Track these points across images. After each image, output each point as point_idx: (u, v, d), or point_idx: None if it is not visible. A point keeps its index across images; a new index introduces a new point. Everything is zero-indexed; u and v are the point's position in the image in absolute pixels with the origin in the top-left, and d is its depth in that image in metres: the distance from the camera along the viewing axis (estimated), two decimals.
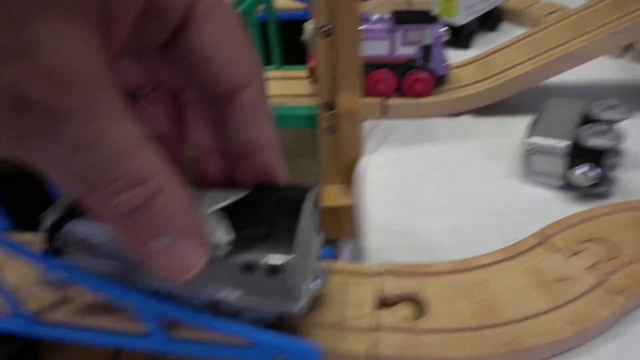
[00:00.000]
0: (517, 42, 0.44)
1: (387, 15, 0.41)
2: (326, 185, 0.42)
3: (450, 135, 0.40)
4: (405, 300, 0.26)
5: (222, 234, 0.21)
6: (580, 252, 0.27)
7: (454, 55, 0.52)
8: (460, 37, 0.52)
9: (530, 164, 0.35)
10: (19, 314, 0.24)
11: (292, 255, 0.20)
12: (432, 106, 0.41)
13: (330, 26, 0.33)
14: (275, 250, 0.20)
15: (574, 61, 0.40)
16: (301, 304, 0.21)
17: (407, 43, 0.40)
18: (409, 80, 0.41)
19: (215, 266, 0.20)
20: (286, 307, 0.21)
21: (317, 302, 0.26)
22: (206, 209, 0.21)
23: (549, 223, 0.29)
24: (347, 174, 0.39)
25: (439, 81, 0.41)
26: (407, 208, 0.34)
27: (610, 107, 0.34)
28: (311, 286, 0.23)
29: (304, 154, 0.58)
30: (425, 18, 0.40)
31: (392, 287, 0.27)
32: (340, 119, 0.36)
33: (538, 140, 0.34)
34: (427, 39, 0.39)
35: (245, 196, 0.22)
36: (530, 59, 0.41)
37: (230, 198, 0.22)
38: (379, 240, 0.32)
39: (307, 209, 0.22)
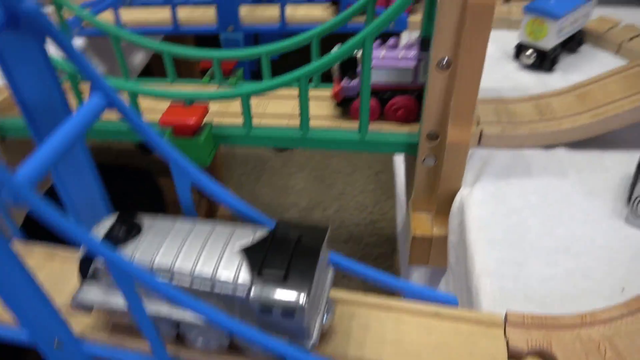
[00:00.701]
0: (616, 74, 0.43)
1: (413, 41, 0.40)
2: (416, 211, 0.42)
3: (547, 168, 0.40)
4: (534, 355, 0.27)
5: (245, 275, 0.23)
6: None
7: (539, 79, 0.51)
8: (545, 60, 0.51)
9: (637, 211, 0.34)
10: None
11: (307, 299, 0.22)
12: (529, 137, 0.41)
13: (450, 59, 0.33)
14: (292, 294, 0.22)
15: None
16: (313, 340, 0.23)
17: None
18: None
19: (236, 304, 0.23)
20: (300, 343, 0.23)
21: (451, 354, 0.26)
22: (232, 249, 0.24)
23: None
24: (442, 204, 0.40)
25: None
26: (514, 249, 0.34)
27: None
28: (324, 321, 0.25)
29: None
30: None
31: (519, 339, 0.27)
32: (445, 150, 0.37)
33: None
34: None
35: (267, 236, 0.24)
36: (633, 94, 0.40)
37: (253, 236, 0.25)
38: (490, 283, 0.32)
39: (323, 250, 0.24)
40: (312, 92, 0.42)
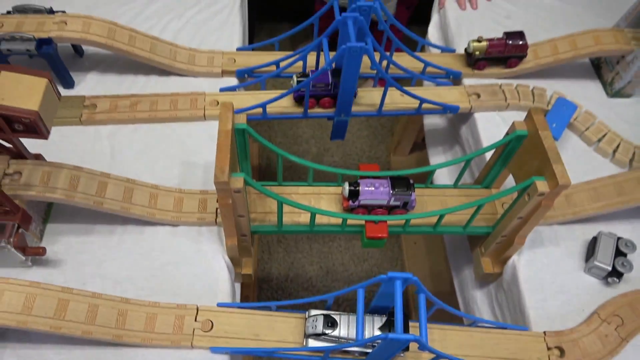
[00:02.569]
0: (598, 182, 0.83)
1: (385, 181, 0.75)
2: (483, 257, 0.82)
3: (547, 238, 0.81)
4: (554, 348, 0.71)
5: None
6: None
7: None
8: None
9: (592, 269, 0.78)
10: None
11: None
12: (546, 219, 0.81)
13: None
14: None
15: None
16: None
17: (397, 200, 0.75)
18: (394, 213, 0.78)
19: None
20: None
21: (519, 346, 0.70)
22: (375, 328, 0.63)
23: None
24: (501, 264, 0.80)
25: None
26: (540, 289, 0.77)
27: None
28: None
29: None
30: (408, 185, 0.74)
31: (550, 342, 0.71)
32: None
33: None
34: (408, 199, 0.75)
35: (387, 319, 0.64)
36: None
37: (380, 322, 0.64)
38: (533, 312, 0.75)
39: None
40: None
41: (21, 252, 0.70)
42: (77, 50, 0.96)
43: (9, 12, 0.89)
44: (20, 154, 0.71)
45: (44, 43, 0.85)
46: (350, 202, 0.76)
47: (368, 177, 0.76)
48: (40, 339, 0.68)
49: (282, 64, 0.93)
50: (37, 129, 0.54)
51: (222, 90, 0.93)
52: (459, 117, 1.01)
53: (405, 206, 0.77)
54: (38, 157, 0.74)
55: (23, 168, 0.70)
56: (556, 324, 0.73)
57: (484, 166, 0.83)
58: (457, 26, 1.08)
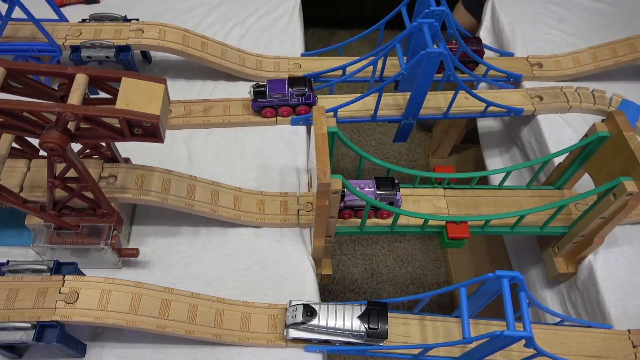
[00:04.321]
0: None
1: (370, 182, 0.76)
2: (556, 257, 0.83)
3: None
4: (638, 346, 0.72)
5: (362, 327, 0.65)
6: None
7: None
8: None
9: None
10: None
11: (387, 330, 0.65)
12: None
13: None
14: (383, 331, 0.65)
15: None
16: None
17: (383, 200, 0.75)
18: (380, 213, 0.78)
19: (359, 337, 0.65)
20: (376, 343, 0.67)
21: (607, 345, 0.71)
22: (354, 316, 0.65)
23: None
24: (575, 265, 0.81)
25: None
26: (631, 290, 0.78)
27: None
28: None
29: None
30: (393, 185, 0.75)
31: (635, 339, 0.72)
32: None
33: None
34: (393, 199, 0.76)
35: (366, 309, 0.66)
36: None
37: (360, 310, 0.66)
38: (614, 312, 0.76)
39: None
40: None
41: (117, 254, 0.71)
42: (146, 56, 0.99)
43: (84, 20, 0.91)
44: (114, 158, 0.73)
45: (122, 50, 0.87)
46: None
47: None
48: (137, 338, 0.69)
49: (349, 69, 0.95)
50: (157, 133, 0.56)
51: None
52: (518, 120, 1.02)
53: (391, 206, 0.78)
54: (127, 161, 0.76)
55: (117, 171, 0.72)
56: (636, 322, 0.75)
57: (556, 167, 0.84)
58: (511, 31, 1.10)
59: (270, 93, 0.86)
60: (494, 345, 0.58)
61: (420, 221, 0.78)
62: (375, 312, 0.65)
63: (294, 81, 0.87)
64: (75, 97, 0.54)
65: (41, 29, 0.84)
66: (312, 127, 0.70)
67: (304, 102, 0.89)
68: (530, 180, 0.84)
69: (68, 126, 0.56)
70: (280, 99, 0.87)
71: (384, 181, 0.77)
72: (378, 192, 0.75)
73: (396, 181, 0.77)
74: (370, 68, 0.92)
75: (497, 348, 0.59)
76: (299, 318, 0.65)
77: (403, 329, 0.70)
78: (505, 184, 0.83)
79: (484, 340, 0.58)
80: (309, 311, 0.66)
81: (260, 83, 0.88)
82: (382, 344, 0.66)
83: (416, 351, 0.67)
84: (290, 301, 0.68)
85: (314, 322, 0.65)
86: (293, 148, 0.89)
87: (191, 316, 0.66)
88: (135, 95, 0.55)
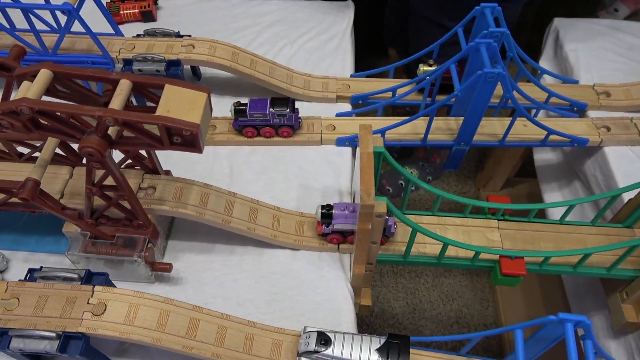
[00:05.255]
0: None
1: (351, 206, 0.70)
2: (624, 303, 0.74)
3: None
4: None
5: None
6: None
7: None
8: None
9: None
10: None
11: None
12: None
13: None
14: None
15: None
16: None
17: None
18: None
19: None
20: None
21: None
22: (372, 349, 0.57)
23: None
24: None
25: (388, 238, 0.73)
26: None
27: None
28: None
29: None
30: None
31: None
32: None
33: None
34: (386, 224, 0.69)
35: (385, 342, 0.58)
36: None
37: (379, 343, 0.58)
38: None
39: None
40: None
41: (149, 267, 0.69)
42: (196, 72, 0.99)
43: (139, 35, 0.93)
44: (154, 169, 0.72)
45: (173, 65, 0.88)
46: (324, 226, 0.72)
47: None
48: (163, 358, 0.66)
49: (399, 91, 0.91)
50: (195, 143, 0.54)
51: (338, 115, 0.92)
52: (581, 152, 0.94)
53: (384, 233, 0.71)
54: (168, 173, 0.75)
55: (157, 183, 0.71)
56: None
57: (625, 203, 0.76)
58: (575, 58, 1.04)
59: (250, 112, 0.83)
60: None
61: (471, 254, 0.71)
62: (395, 346, 0.59)
63: (276, 101, 0.84)
64: (117, 102, 0.53)
65: (97, 42, 0.85)
66: (358, 147, 0.66)
67: (285, 124, 0.85)
68: (596, 217, 0.76)
69: (109, 132, 0.55)
70: (261, 118, 0.84)
71: None
72: None
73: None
74: (422, 92, 0.88)
75: None
76: (312, 346, 0.60)
77: None
78: (567, 219, 0.76)
79: None
80: (323, 339, 0.60)
81: (242, 101, 0.85)
82: None
83: None
84: (304, 327, 0.63)
85: (328, 352, 0.59)
86: (337, 169, 0.85)
87: (219, 339, 0.62)
88: (176, 103, 0.54)
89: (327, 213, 0.71)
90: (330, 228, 0.72)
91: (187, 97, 0.55)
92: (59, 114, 0.53)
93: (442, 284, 1.44)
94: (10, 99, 0.52)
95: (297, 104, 0.94)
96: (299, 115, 0.86)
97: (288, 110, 0.84)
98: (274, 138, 0.88)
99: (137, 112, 0.53)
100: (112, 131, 0.56)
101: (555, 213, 0.95)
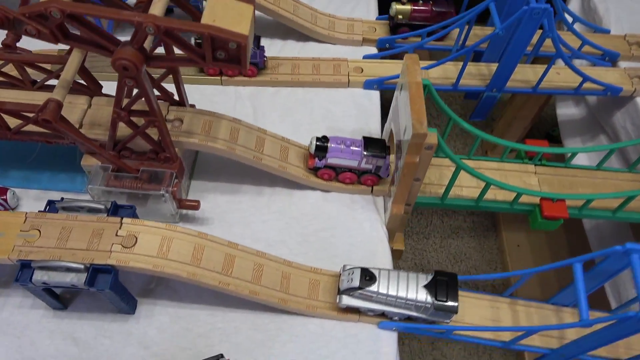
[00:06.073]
0: None
1: (358, 141, 0.66)
2: None
3: None
4: None
5: (428, 298, 0.55)
6: None
7: None
8: None
9: None
10: None
11: (457, 305, 0.55)
12: None
13: None
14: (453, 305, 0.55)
15: None
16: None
17: (368, 163, 0.67)
18: (364, 179, 0.69)
19: (424, 309, 0.56)
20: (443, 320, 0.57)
21: None
22: (419, 286, 0.56)
23: None
24: None
25: (380, 179, 0.69)
26: None
27: None
28: None
29: None
30: (383, 147, 0.66)
31: None
32: None
33: None
34: (381, 163, 0.67)
35: (434, 278, 0.56)
36: None
37: (426, 279, 0.56)
38: None
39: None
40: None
41: (176, 204, 0.65)
42: None
43: None
44: (181, 102, 0.67)
45: None
46: (317, 160, 0.68)
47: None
48: (192, 298, 0.63)
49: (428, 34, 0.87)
50: (242, 58, 0.50)
51: (365, 57, 0.87)
52: (608, 104, 0.92)
53: (378, 171, 0.68)
54: (192, 107, 0.70)
55: (184, 115, 0.66)
56: None
57: None
58: (604, 9, 1.01)
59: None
60: (618, 331, 0.49)
61: (510, 197, 0.69)
62: (443, 282, 0.56)
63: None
64: (157, 8, 0.48)
65: None
66: (401, 77, 0.62)
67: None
68: (634, 163, 0.75)
69: (145, 45, 0.50)
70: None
71: (374, 142, 0.67)
72: (365, 152, 0.66)
73: (387, 144, 0.67)
74: (454, 36, 0.84)
75: (620, 336, 0.50)
76: (356, 283, 0.57)
77: (490, 312, 0.62)
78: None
79: (605, 324, 0.49)
80: (368, 276, 0.57)
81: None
82: (449, 323, 0.58)
83: (507, 337, 0.59)
84: (344, 265, 0.60)
85: (373, 288, 0.57)
86: (366, 112, 0.81)
87: (256, 276, 0.59)
88: (223, 13, 0.49)
89: (322, 145, 0.67)
90: (322, 162, 0.68)
91: (234, 7, 0.50)
92: (92, 19, 0.47)
93: (450, 245, 1.43)
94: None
95: (321, 46, 0.90)
96: (264, 54, 0.81)
97: (253, 47, 0.77)
98: (299, 78, 0.83)
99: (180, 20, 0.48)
100: (148, 43, 0.51)
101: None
